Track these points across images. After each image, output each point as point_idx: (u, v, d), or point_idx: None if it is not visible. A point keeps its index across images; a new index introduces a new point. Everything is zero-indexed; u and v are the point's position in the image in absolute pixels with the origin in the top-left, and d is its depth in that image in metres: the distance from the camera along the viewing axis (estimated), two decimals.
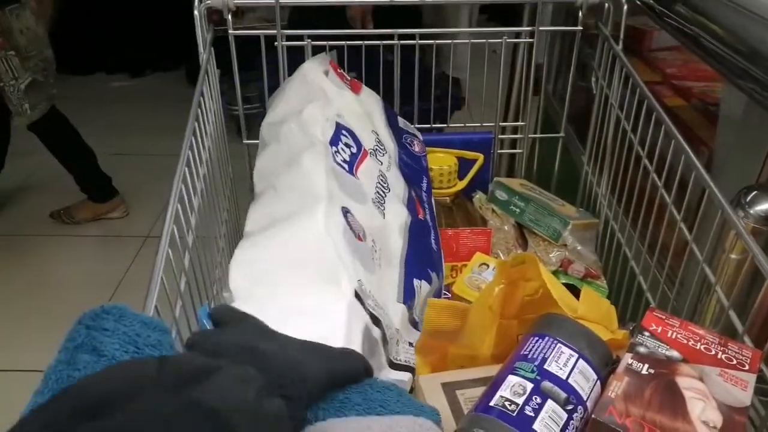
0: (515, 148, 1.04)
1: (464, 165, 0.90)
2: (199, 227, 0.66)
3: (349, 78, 0.76)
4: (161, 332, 0.35)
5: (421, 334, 0.55)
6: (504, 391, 0.43)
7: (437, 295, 0.63)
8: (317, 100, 0.64)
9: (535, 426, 0.40)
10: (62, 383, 0.31)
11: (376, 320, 0.46)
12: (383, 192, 0.61)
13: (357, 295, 0.45)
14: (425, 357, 0.55)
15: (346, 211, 0.52)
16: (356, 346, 0.42)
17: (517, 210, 0.84)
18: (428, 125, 0.93)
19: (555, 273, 0.78)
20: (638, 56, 1.11)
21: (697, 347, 0.49)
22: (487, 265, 0.71)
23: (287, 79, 0.74)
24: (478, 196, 0.90)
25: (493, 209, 0.87)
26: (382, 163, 0.65)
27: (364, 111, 0.71)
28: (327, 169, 0.54)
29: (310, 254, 0.47)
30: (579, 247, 0.80)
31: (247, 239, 0.52)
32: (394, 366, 0.49)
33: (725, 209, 0.54)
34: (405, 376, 0.50)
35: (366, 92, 0.77)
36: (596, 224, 0.85)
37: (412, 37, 0.86)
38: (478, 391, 0.47)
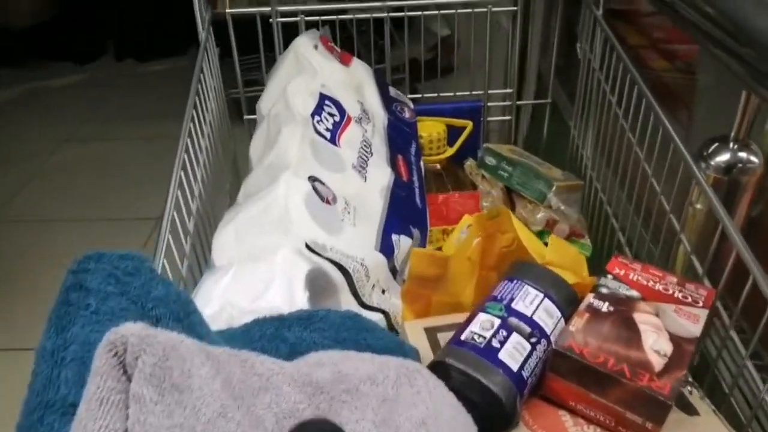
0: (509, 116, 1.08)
1: (455, 133, 0.93)
2: (205, 203, 0.71)
3: (339, 51, 0.80)
4: (139, 261, 0.39)
5: (407, 281, 0.60)
6: (474, 327, 0.47)
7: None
8: (303, 73, 0.69)
9: (500, 355, 0.45)
10: (61, 319, 0.36)
11: (339, 267, 0.54)
12: (366, 156, 0.66)
13: (308, 247, 0.52)
14: (411, 305, 0.60)
15: (314, 179, 0.58)
16: (298, 286, 0.50)
17: (506, 174, 0.88)
18: (419, 95, 0.97)
19: (540, 233, 0.82)
20: (627, 22, 1.13)
21: (656, 287, 0.53)
22: None
23: (281, 56, 0.78)
24: (469, 163, 0.94)
25: (483, 174, 0.91)
26: (366, 130, 0.70)
27: (352, 81, 0.76)
28: (301, 141, 0.60)
29: (268, 215, 0.54)
30: (563, 208, 0.84)
31: (227, 214, 0.59)
32: (365, 307, 0.55)
33: (686, 160, 0.58)
34: (376, 317, 0.55)
35: (356, 63, 0.81)
36: (580, 186, 0.88)
37: (401, 9, 0.90)
38: None
